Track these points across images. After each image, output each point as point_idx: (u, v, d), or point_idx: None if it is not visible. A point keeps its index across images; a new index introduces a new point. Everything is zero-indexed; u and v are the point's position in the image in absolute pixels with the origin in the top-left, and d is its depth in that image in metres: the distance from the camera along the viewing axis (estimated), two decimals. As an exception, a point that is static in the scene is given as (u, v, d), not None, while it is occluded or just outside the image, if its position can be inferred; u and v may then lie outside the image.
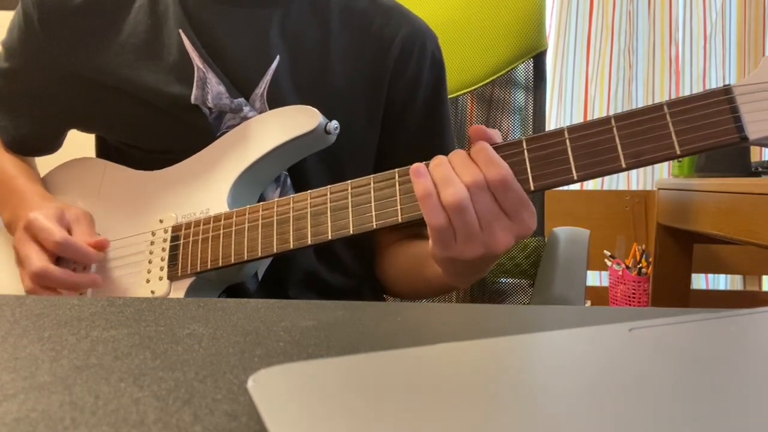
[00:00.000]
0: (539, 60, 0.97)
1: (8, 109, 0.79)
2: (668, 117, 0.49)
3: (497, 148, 0.53)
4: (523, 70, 0.97)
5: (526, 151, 0.52)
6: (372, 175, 0.58)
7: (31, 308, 0.38)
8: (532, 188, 0.52)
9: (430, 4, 0.99)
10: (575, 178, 0.51)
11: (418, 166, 0.54)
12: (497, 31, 0.97)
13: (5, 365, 0.27)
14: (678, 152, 0.48)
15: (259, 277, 0.72)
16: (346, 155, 0.73)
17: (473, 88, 0.98)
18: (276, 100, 0.70)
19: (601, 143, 0.50)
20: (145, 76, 0.70)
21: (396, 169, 0.57)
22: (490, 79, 0.97)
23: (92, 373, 0.26)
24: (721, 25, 2.21)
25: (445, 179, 0.51)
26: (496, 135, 0.54)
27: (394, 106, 0.77)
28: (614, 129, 0.50)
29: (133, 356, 0.28)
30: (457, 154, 0.53)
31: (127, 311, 0.37)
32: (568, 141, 0.51)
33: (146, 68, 0.70)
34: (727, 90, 0.48)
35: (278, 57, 0.70)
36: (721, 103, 0.48)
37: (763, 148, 2.15)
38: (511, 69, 0.97)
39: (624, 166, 0.49)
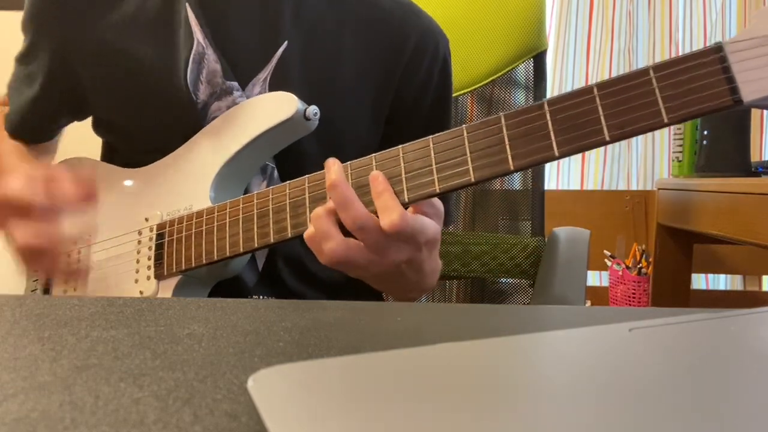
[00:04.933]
0: (539, 60, 0.97)
1: (18, 96, 0.78)
2: (654, 82, 0.45)
3: (474, 126, 0.51)
4: (523, 70, 0.97)
5: (504, 128, 0.49)
6: (349, 162, 0.56)
7: (31, 308, 0.38)
8: (512, 168, 0.49)
9: (431, 3, 0.99)
10: (556, 154, 0.47)
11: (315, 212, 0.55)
12: (497, 31, 0.97)
13: (5, 365, 0.27)
14: (666, 120, 0.44)
15: (259, 268, 0.72)
16: (348, 147, 0.73)
17: (473, 88, 0.98)
18: (279, 85, 0.69)
19: (583, 115, 0.47)
20: (144, 48, 0.69)
21: (373, 155, 0.56)
22: (490, 79, 0.97)
23: (92, 373, 0.26)
24: (721, 25, 2.21)
25: (323, 234, 0.54)
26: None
27: (403, 104, 0.77)
28: (597, 98, 0.46)
29: (133, 356, 0.28)
30: (338, 194, 0.54)
31: (127, 311, 0.37)
32: (548, 114, 0.48)
33: (148, 42, 0.69)
34: (718, 48, 0.43)
35: (286, 42, 0.70)
36: (712, 63, 0.43)
37: (763, 148, 2.15)
38: (511, 69, 0.97)
39: (608, 138, 0.46)
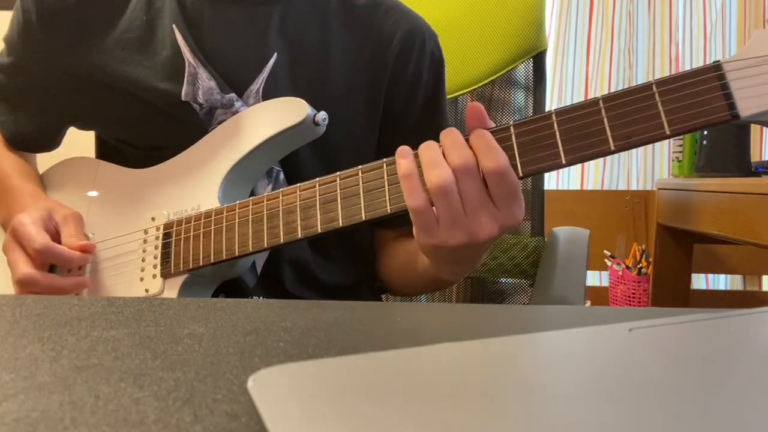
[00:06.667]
0: (539, 60, 0.97)
1: (9, 105, 0.79)
2: (657, 96, 0.47)
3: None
4: (523, 70, 0.97)
5: (513, 136, 0.51)
6: (360, 166, 0.57)
7: (31, 308, 0.38)
8: (521, 174, 0.51)
9: (430, 3, 0.99)
10: (563, 162, 0.50)
11: (403, 148, 0.54)
12: (497, 31, 0.97)
13: (5, 365, 0.27)
14: (668, 132, 0.47)
15: (258, 272, 0.72)
16: (342, 154, 0.73)
17: (473, 88, 0.98)
18: (271, 96, 0.69)
19: (590, 126, 0.49)
20: (137, 71, 0.70)
21: (384, 159, 0.56)
22: (490, 79, 0.97)
23: (92, 373, 0.26)
24: (721, 25, 2.21)
25: (432, 161, 0.51)
26: (489, 122, 0.53)
27: (395, 105, 0.76)
28: (602, 110, 0.49)
29: (133, 356, 0.28)
30: (450, 134, 0.52)
31: (127, 311, 0.37)
32: (556, 124, 0.50)
33: (139, 63, 0.70)
34: (716, 66, 0.46)
35: (276, 54, 0.70)
36: (711, 80, 0.46)
37: (763, 148, 2.15)
38: (511, 69, 0.97)
39: (613, 148, 0.48)
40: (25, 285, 0.64)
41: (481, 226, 0.51)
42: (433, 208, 0.52)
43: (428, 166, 0.51)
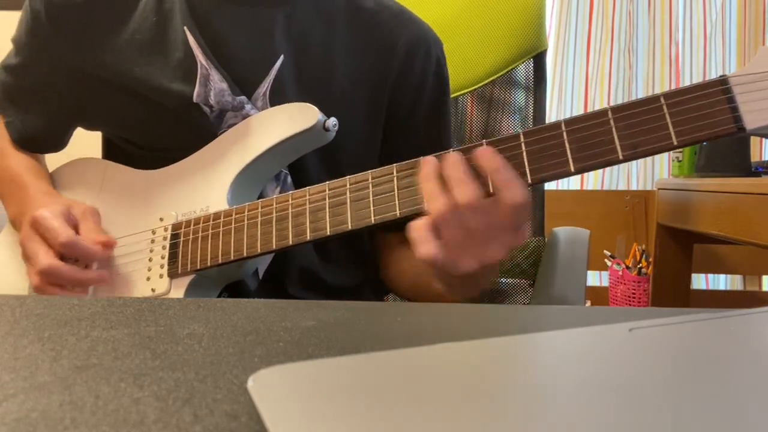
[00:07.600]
0: (539, 60, 0.97)
1: (17, 106, 0.79)
2: (665, 108, 0.49)
3: (494, 141, 0.53)
4: (523, 70, 0.97)
5: (523, 145, 0.52)
6: (370, 171, 0.58)
7: (31, 308, 0.38)
8: (530, 181, 0.52)
9: (431, 4, 0.99)
10: (572, 170, 0.51)
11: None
12: (497, 31, 0.97)
13: (5, 365, 0.27)
14: (675, 143, 0.48)
15: (260, 275, 0.72)
16: (346, 155, 0.73)
17: (473, 88, 0.98)
18: (278, 99, 0.70)
19: (598, 135, 0.50)
20: (148, 72, 0.70)
21: (394, 165, 0.57)
22: (490, 79, 0.97)
23: (92, 373, 0.26)
24: (721, 25, 2.21)
25: (430, 195, 0.53)
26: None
27: (400, 109, 0.77)
28: (611, 121, 0.50)
29: (133, 356, 0.28)
30: (453, 168, 0.52)
31: (127, 311, 0.37)
32: (565, 134, 0.51)
33: (150, 64, 0.71)
34: (723, 80, 0.48)
35: (282, 56, 0.71)
36: (717, 93, 0.48)
37: (763, 148, 2.15)
38: (511, 69, 0.97)
39: (621, 157, 0.49)
40: (49, 275, 0.64)
41: (491, 253, 0.52)
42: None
43: (428, 200, 0.53)
